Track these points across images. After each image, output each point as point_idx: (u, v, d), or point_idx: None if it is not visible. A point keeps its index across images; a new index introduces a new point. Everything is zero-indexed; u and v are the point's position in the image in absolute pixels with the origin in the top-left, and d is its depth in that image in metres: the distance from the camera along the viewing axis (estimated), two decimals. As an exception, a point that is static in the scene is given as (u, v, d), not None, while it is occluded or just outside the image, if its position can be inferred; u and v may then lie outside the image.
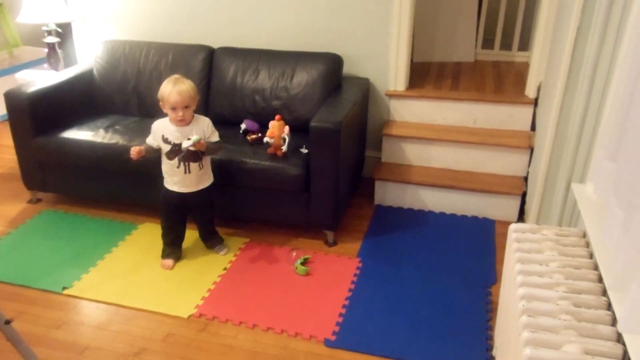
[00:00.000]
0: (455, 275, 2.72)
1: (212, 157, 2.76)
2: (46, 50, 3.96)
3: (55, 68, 3.93)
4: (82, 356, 2.19)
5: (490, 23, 4.20)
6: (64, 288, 2.59)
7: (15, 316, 2.38)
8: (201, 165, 2.65)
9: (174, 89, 2.49)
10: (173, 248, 2.81)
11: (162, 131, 2.59)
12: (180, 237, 2.85)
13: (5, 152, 4.01)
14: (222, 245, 2.90)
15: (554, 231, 1.89)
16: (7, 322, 1.81)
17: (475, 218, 3.24)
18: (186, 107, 2.52)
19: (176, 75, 2.58)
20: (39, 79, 3.30)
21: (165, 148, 2.60)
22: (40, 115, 3.14)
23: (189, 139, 2.50)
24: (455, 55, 4.16)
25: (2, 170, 3.77)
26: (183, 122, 2.55)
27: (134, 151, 2.58)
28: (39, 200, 3.37)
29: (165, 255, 2.80)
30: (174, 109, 2.51)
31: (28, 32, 4.80)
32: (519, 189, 3.14)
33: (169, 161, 2.61)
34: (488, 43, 4.23)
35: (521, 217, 3.16)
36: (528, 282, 1.62)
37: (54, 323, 2.37)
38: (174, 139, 2.57)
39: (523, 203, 3.16)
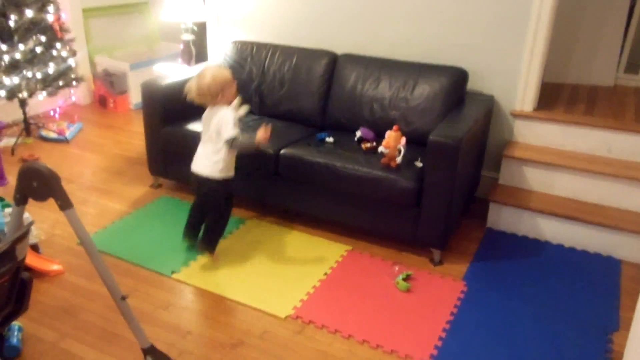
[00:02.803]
0: (571, 315, 2.49)
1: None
2: (181, 46, 4.21)
3: (188, 63, 4.17)
4: (184, 339, 2.27)
5: (638, 45, 3.83)
6: (173, 272, 2.71)
7: (129, 292, 2.52)
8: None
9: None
10: None
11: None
12: None
13: (136, 138, 4.32)
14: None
15: (702, 283, 1.66)
16: (123, 298, 1.92)
17: (598, 255, 2.96)
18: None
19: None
20: (172, 73, 3.51)
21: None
22: (170, 107, 3.33)
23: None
24: (592, 78, 3.84)
25: (131, 154, 4.06)
26: None
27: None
28: (159, 185, 3.57)
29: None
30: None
31: (165, 28, 5.16)
32: (656, 230, 2.83)
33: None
34: (632, 67, 3.86)
35: (654, 262, 2.84)
36: (668, 337, 1.42)
37: (162, 304, 2.48)
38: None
39: (658, 246, 2.84)
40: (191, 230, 2.84)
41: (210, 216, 2.75)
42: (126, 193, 3.49)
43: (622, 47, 3.81)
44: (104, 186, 3.58)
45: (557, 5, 3.06)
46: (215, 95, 2.54)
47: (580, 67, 3.85)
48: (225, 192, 2.71)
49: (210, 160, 2.61)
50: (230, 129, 2.53)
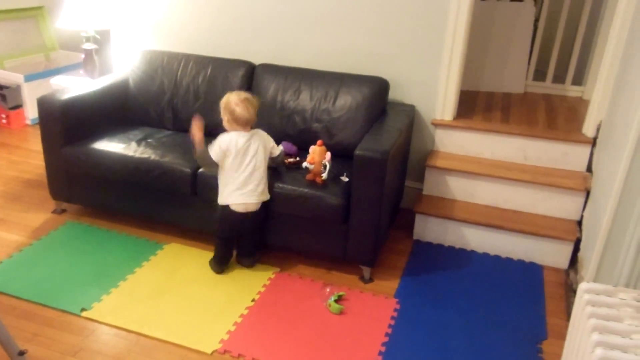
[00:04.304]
0: (502, 326, 2.50)
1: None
2: (83, 56, 3.88)
3: (91, 75, 3.85)
4: (97, 390, 2.03)
5: (544, 54, 4.00)
6: (83, 310, 2.43)
7: (30, 338, 2.23)
8: None
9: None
10: None
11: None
12: None
13: (34, 157, 3.92)
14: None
15: (632, 295, 1.68)
16: (21, 354, 1.66)
17: (521, 262, 3.01)
18: None
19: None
20: (73, 86, 3.20)
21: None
22: (72, 124, 3.03)
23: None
24: (504, 85, 3.96)
25: (29, 176, 3.66)
26: None
27: None
28: (63, 211, 3.24)
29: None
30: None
31: (66, 36, 4.75)
32: (573, 234, 2.91)
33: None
34: (539, 75, 4.02)
35: (572, 265, 2.92)
36: (611, 358, 1.41)
37: (70, 349, 2.21)
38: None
39: (576, 250, 2.93)
40: (225, 263, 2.80)
41: (255, 232, 2.80)
42: (25, 221, 3.13)
43: (530, 56, 3.95)
44: (-2, 214, 3.20)
45: (472, 17, 3.09)
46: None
47: (492, 75, 3.95)
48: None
49: (261, 187, 2.63)
50: (276, 146, 2.76)
